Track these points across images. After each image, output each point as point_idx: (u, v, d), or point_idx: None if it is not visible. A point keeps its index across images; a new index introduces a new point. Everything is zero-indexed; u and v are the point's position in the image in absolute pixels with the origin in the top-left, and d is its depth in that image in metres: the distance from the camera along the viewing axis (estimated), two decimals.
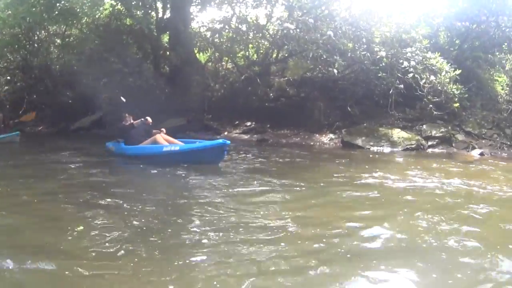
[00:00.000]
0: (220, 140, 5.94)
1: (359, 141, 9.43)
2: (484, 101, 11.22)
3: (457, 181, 5.62)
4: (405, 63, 9.47)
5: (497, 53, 11.40)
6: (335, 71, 9.33)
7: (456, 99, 9.82)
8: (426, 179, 5.68)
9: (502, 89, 11.73)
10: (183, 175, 5.59)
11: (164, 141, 6.48)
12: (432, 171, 6.50)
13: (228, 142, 5.89)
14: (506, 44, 11.64)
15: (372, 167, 6.73)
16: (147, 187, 5.05)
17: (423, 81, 9.48)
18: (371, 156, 8.49)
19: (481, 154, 9.74)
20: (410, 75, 9.42)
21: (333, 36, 8.95)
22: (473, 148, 10.01)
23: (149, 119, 6.68)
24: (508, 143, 10.74)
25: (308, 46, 8.97)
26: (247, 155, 7.43)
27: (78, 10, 11.38)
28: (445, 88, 9.73)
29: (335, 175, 5.69)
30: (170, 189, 4.89)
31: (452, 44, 11.25)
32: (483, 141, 10.55)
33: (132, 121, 6.87)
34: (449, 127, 10.25)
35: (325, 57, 8.87)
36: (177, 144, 6.31)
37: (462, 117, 10.63)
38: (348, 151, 8.98)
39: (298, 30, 8.85)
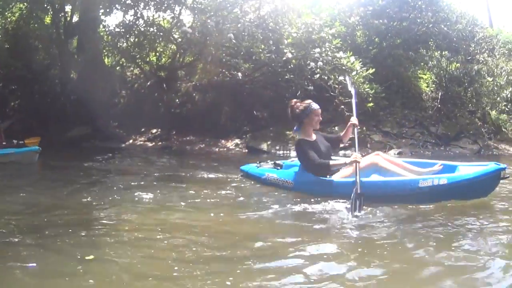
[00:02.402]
0: (493, 165, 4.29)
1: (264, 146, 9.84)
2: (406, 100, 11.67)
3: None
4: (312, 64, 9.89)
5: (423, 50, 11.84)
6: (239, 74, 9.74)
7: (371, 99, 10.24)
8: None
9: (427, 86, 12.20)
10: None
11: (391, 164, 4.52)
12: None
13: (504, 166, 4.30)
14: (432, 40, 12.15)
15: None
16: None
17: (331, 81, 9.89)
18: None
19: (400, 153, 10.22)
20: (317, 76, 9.84)
21: (233, 39, 9.34)
22: (391, 148, 10.46)
23: None
24: (433, 141, 11.23)
25: (207, 49, 9.38)
26: (133, 165, 7.72)
27: None
28: (358, 88, 10.16)
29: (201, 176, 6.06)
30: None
31: (371, 42, 11.70)
32: (403, 141, 11.00)
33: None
34: (364, 128, 10.68)
35: (224, 60, 9.28)
36: (441, 175, 4.25)
37: (379, 117, 11.07)
38: (251, 156, 9.36)
39: (197, 33, 9.24)
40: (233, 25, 9.78)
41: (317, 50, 10.06)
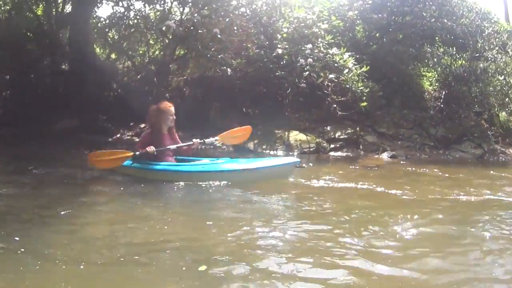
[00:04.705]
0: None
1: (250, 145, 10.04)
2: (406, 99, 11.68)
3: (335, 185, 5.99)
4: (302, 61, 10.04)
5: (427, 46, 11.77)
6: (229, 70, 9.98)
7: (364, 97, 10.31)
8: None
9: (431, 85, 12.17)
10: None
11: None
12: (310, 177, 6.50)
13: None
14: (438, 36, 12.06)
15: None
16: None
17: (321, 79, 10.02)
18: None
19: (393, 156, 10.27)
20: (306, 73, 9.99)
21: (219, 34, 9.56)
22: (384, 150, 10.54)
23: None
24: (432, 143, 11.22)
25: (194, 44, 9.64)
26: None
27: None
28: (353, 86, 10.26)
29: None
30: None
31: (371, 38, 11.72)
32: (399, 143, 11.03)
33: None
34: (358, 128, 10.78)
35: (209, 56, 9.53)
36: None
37: (376, 117, 11.13)
38: (237, 155, 9.61)
39: (180, 28, 9.49)
40: (221, 20, 9.99)
41: (309, 46, 10.20)
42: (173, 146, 6.20)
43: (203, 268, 2.96)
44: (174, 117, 6.19)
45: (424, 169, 8.23)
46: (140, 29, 10.72)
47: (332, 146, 10.46)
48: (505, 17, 17.34)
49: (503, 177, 7.85)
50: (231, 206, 4.79)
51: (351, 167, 8.40)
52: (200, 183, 5.60)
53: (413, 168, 8.47)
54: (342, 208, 4.80)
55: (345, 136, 10.63)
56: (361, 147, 10.59)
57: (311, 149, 10.09)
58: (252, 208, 4.71)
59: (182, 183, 5.67)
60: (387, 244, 3.53)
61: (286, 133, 10.28)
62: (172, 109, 6.16)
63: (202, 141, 6.41)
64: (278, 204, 4.91)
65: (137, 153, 5.91)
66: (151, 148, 5.87)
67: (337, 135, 10.62)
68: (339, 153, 10.32)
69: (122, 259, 3.18)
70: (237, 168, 5.91)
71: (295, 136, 10.25)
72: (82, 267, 3.01)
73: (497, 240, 3.74)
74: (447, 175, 7.76)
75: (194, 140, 6.35)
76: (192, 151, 6.36)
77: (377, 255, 3.29)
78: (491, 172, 8.58)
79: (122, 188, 5.75)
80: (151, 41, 11.47)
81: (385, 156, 10.22)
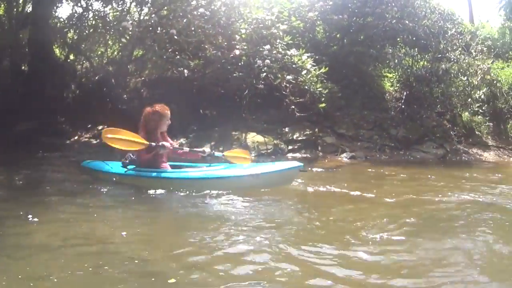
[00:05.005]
0: None
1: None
2: (366, 100, 11.77)
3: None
4: (259, 62, 10.06)
5: (389, 47, 11.86)
6: (186, 71, 9.98)
7: (323, 98, 10.35)
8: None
9: (392, 85, 12.26)
10: None
11: None
12: None
13: None
14: (400, 37, 12.16)
15: None
16: None
17: (278, 81, 10.05)
18: None
19: (352, 157, 10.36)
20: (263, 74, 10.02)
21: (175, 35, 9.58)
22: (343, 151, 10.62)
23: None
24: (392, 144, 11.33)
25: (151, 45, 9.65)
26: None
27: None
28: (311, 87, 10.29)
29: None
30: None
31: (332, 39, 11.78)
32: (359, 144, 11.13)
33: None
34: (316, 129, 10.85)
35: (165, 57, 9.55)
36: None
37: (335, 118, 11.21)
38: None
39: (137, 29, 9.50)
40: (179, 20, 9.98)
41: (267, 47, 10.21)
42: (186, 149, 6.15)
43: (172, 281, 2.82)
44: (170, 122, 5.97)
45: (388, 171, 8.30)
46: (99, 30, 10.69)
47: (290, 147, 10.50)
48: (469, 18, 17.49)
49: (466, 177, 7.93)
50: (205, 212, 4.71)
51: (314, 169, 8.38)
52: (200, 191, 5.32)
53: (376, 169, 8.58)
54: (314, 211, 4.77)
55: (304, 138, 10.69)
56: (319, 148, 10.65)
57: (269, 151, 10.12)
58: (226, 216, 4.55)
59: (176, 191, 5.43)
60: (361, 250, 3.48)
61: (244, 134, 10.32)
62: (169, 112, 5.93)
63: (212, 152, 6.22)
64: (249, 211, 4.78)
65: (153, 144, 5.56)
66: (167, 143, 5.67)
67: (295, 136, 10.67)
68: (297, 155, 10.35)
69: (90, 269, 3.01)
70: (242, 174, 5.59)
71: (253, 137, 10.29)
72: (40, 272, 2.94)
73: (468, 239, 3.80)
74: (411, 175, 7.86)
75: (206, 149, 6.26)
76: (194, 157, 6.20)
77: (351, 263, 3.24)
78: (454, 172, 8.68)
79: (99, 193, 5.59)
80: (109, 42, 11.45)
81: (344, 157, 10.29)
